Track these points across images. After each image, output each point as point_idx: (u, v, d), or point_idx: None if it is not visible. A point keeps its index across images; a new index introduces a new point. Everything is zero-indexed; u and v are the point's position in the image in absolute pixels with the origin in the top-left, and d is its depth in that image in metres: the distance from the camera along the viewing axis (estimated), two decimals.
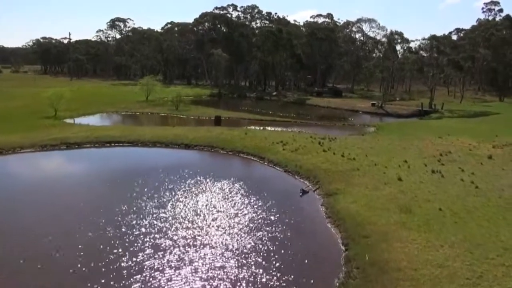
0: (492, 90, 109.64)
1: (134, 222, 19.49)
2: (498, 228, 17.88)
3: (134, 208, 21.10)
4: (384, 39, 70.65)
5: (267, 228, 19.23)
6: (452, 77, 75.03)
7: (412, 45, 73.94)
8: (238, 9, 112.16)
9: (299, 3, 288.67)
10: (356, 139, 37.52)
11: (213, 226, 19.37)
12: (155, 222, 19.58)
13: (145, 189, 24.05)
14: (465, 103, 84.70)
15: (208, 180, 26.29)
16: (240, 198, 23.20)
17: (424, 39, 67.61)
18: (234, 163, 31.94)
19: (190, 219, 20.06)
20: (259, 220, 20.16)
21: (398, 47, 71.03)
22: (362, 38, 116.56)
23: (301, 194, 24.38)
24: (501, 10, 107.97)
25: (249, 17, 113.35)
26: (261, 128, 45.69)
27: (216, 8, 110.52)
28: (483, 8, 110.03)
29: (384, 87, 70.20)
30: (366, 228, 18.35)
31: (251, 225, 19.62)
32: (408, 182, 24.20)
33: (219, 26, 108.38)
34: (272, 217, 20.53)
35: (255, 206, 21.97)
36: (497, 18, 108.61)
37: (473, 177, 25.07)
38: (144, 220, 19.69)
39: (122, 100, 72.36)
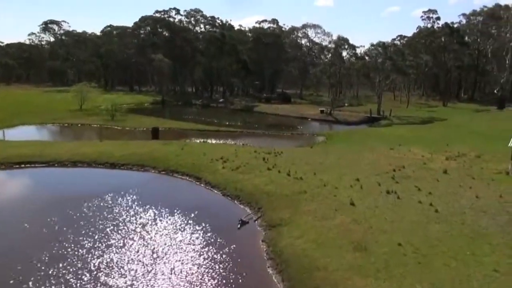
0: (435, 95, 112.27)
1: None
2: (468, 268, 15.01)
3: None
4: (330, 45, 68.85)
5: (189, 278, 15.28)
6: (397, 82, 74.74)
7: (358, 51, 73.21)
8: (181, 13, 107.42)
9: (245, 8, 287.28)
10: (304, 152, 34.41)
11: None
12: None
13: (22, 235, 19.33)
14: (411, 108, 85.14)
15: (125, 213, 21.86)
16: (161, 237, 19.07)
17: (372, 45, 66.92)
18: (165, 186, 27.63)
19: (89, 277, 15.69)
20: (181, 271, 16.15)
21: (344, 53, 69.50)
22: (308, 43, 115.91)
23: (239, 225, 20.64)
24: (438, 18, 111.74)
25: (192, 21, 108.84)
26: (202, 141, 41.63)
27: (158, 11, 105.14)
28: (422, 16, 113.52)
29: (333, 93, 68.20)
30: (314, 276, 14.88)
31: (166, 280, 15.58)
32: (361, 207, 21.13)
33: (160, 30, 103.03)
34: (199, 263, 16.61)
35: (181, 248, 17.95)
36: (435, 26, 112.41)
37: (431, 198, 22.49)
38: None
39: (53, 109, 65.70)
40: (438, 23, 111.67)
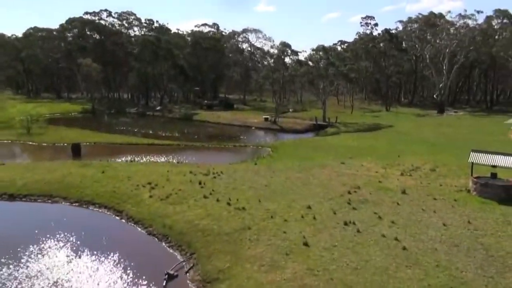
0: (377, 99, 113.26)
1: None
2: None
3: None
4: (273, 50, 65.84)
5: None
6: (341, 88, 73.15)
7: (301, 57, 70.83)
8: (113, 15, 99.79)
9: (184, 12, 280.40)
10: (248, 171, 30.26)
11: None
12: None
13: None
14: (355, 114, 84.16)
15: (13, 267, 16.49)
16: None
17: (313, 49, 64.68)
18: (76, 224, 22.21)
19: None
20: None
21: (287, 59, 66.67)
22: (249, 48, 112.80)
23: (165, 281, 16.03)
24: (376, 25, 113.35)
25: (125, 24, 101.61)
26: (130, 159, 36.19)
27: (87, 13, 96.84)
28: (361, 22, 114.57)
29: (276, 100, 65.01)
30: None
31: None
32: (317, 247, 17.30)
33: (89, 33, 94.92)
34: None
35: None
36: (374, 32, 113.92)
37: (395, 229, 19.20)
38: None
39: None
40: (376, 29, 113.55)
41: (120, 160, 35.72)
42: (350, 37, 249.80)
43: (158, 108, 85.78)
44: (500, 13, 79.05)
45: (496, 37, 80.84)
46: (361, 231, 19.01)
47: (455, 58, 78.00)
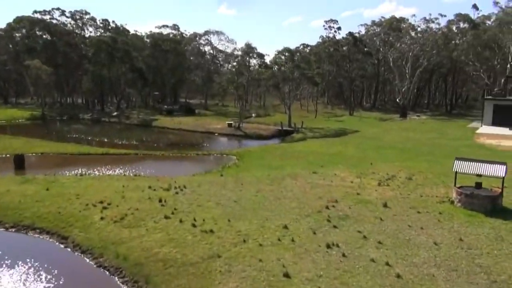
0: (339, 103, 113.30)
1: None
2: None
3: None
4: (237, 53, 63.31)
5: None
6: (307, 92, 71.71)
7: (266, 59, 68.65)
8: (66, 14, 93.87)
9: (142, 13, 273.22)
10: (214, 184, 27.44)
11: None
12: None
13: None
14: (319, 118, 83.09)
15: None
16: None
17: (278, 52, 62.73)
18: (10, 254, 18.51)
19: None
20: None
21: (253, 62, 64.42)
22: (212, 51, 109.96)
23: None
24: (339, 28, 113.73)
25: (79, 23, 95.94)
26: (79, 173, 32.40)
27: (36, 11, 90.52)
28: (324, 26, 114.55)
29: (240, 105, 62.45)
30: None
31: None
32: (300, 279, 14.81)
33: (39, 33, 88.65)
34: None
35: None
36: (338, 36, 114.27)
37: (384, 251, 17.08)
38: None
39: None
40: (339, 33, 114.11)
41: (69, 174, 31.84)
42: (312, 41, 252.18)
43: (115, 114, 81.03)
44: (461, 18, 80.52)
45: (457, 41, 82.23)
46: (347, 255, 16.72)
47: (418, 62, 78.60)
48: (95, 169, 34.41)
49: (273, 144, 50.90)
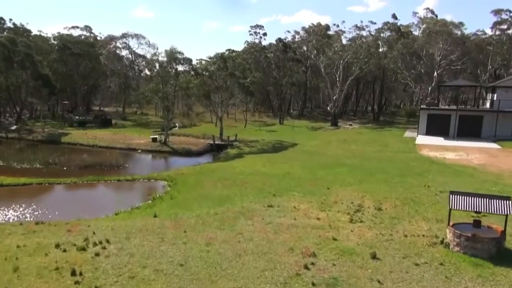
0: (267, 111, 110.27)
1: None
2: None
3: None
4: (161, 58, 56.26)
5: None
6: (241, 101, 66.70)
7: (196, 65, 62.10)
8: None
9: (48, 12, 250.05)
10: (147, 234, 20.83)
11: None
12: None
13: None
14: (250, 128, 78.81)
15: None
16: None
17: (210, 58, 56.85)
18: None
19: None
20: None
21: (179, 68, 57.70)
22: (130, 55, 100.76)
23: None
24: (265, 34, 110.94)
25: None
26: None
27: None
28: (249, 31, 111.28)
29: (166, 116, 55.49)
30: None
31: None
32: None
33: None
34: None
35: None
36: (264, 42, 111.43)
37: None
38: None
39: None
40: (265, 39, 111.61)
41: None
42: (235, 46, 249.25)
43: (14, 127, 69.01)
44: (389, 26, 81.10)
45: (383, 49, 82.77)
46: None
47: (351, 70, 77.53)
48: None
49: (208, 164, 44.76)
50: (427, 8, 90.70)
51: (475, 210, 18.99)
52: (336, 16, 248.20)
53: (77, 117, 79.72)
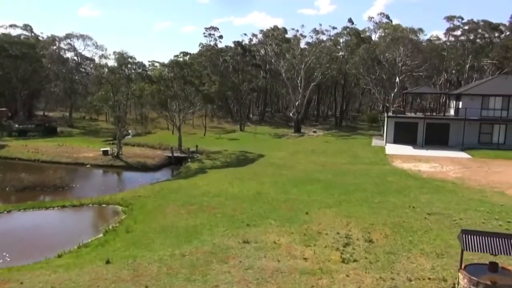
0: (224, 116, 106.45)
1: None
2: None
3: None
4: (111, 63, 51.05)
5: None
6: (202, 109, 62.38)
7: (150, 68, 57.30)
8: None
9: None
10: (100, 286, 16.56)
11: None
12: None
13: None
14: (209, 136, 74.83)
15: None
16: None
17: (164, 64, 51.91)
18: None
19: None
20: None
21: (131, 73, 52.38)
22: (76, 57, 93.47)
23: None
24: (221, 36, 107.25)
25: None
26: None
27: None
28: (204, 33, 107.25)
29: (118, 128, 50.31)
30: None
31: None
32: None
33: None
34: None
35: None
36: (220, 44, 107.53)
37: None
38: None
39: None
40: (220, 41, 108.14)
41: None
42: (189, 48, 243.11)
43: None
44: (349, 31, 79.75)
45: (342, 53, 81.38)
46: None
47: (313, 75, 75.29)
48: None
49: (168, 182, 40.16)
50: (382, 13, 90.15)
51: (492, 252, 16.29)
52: (289, 18, 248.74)
53: (17, 125, 72.14)
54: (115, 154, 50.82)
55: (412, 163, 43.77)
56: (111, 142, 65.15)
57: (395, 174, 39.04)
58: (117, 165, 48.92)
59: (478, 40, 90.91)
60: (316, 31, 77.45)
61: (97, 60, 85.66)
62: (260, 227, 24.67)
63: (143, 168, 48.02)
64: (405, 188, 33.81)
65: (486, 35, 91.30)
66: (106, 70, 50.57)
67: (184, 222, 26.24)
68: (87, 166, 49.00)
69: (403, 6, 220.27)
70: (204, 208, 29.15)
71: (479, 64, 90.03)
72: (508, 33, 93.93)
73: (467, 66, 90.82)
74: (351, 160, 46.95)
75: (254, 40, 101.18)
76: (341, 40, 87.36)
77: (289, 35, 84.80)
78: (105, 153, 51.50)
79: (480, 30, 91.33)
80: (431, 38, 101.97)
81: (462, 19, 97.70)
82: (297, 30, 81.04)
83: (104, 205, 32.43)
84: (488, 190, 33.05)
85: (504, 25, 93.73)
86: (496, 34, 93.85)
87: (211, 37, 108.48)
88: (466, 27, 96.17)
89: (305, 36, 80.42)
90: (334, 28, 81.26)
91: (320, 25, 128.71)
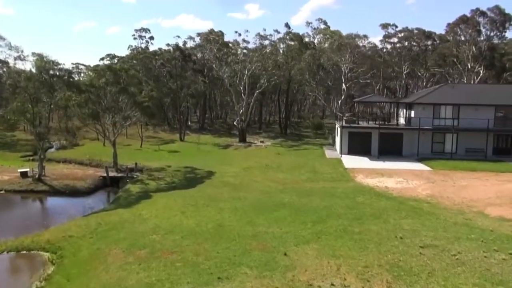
0: (160, 124, 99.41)
1: None
2: None
3: None
4: (29, 68, 42.97)
5: None
6: (136, 121, 55.48)
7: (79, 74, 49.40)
8: None
9: None
10: None
11: None
12: None
13: None
14: (147, 147, 68.15)
15: None
16: None
17: (95, 70, 44.71)
18: None
19: None
20: None
21: (54, 79, 44.46)
22: None
23: None
24: (152, 38, 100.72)
25: None
26: None
27: None
28: (134, 35, 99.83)
29: (41, 144, 42.44)
30: None
31: None
32: None
33: None
34: None
35: None
36: (151, 47, 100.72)
37: None
38: None
39: None
40: (152, 43, 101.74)
41: None
42: (114, 51, 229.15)
43: None
44: (293, 36, 76.96)
45: (285, 58, 78.35)
46: None
47: (258, 82, 71.22)
48: None
49: (106, 212, 33.37)
50: (320, 19, 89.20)
51: None
52: (218, 21, 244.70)
53: None
54: (37, 176, 42.65)
55: (375, 178, 41.14)
56: (31, 158, 56.25)
57: (364, 193, 35.84)
58: (40, 189, 40.94)
59: (414, 48, 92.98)
60: (260, 36, 73.64)
61: (11, 62, 74.46)
62: (234, 281, 19.66)
63: (72, 192, 40.59)
64: (382, 211, 30.56)
65: (421, 43, 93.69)
66: (23, 77, 42.10)
67: (135, 277, 20.43)
68: (1, 192, 40.50)
69: (328, 12, 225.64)
70: (157, 252, 23.43)
71: (415, 73, 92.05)
72: (438, 41, 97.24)
73: (404, 73, 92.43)
74: (311, 176, 43.33)
75: (190, 43, 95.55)
76: (281, 45, 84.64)
77: (227, 38, 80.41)
78: (24, 175, 43.13)
79: (415, 38, 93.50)
80: (366, 45, 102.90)
81: (396, 27, 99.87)
82: (240, 34, 76.69)
83: (25, 252, 25.44)
84: (466, 210, 30.86)
85: (436, 34, 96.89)
86: (429, 42, 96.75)
87: (142, 39, 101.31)
88: (402, 35, 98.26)
89: (249, 42, 76.42)
90: (278, 32, 78.09)
91: (264, 30, 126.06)
